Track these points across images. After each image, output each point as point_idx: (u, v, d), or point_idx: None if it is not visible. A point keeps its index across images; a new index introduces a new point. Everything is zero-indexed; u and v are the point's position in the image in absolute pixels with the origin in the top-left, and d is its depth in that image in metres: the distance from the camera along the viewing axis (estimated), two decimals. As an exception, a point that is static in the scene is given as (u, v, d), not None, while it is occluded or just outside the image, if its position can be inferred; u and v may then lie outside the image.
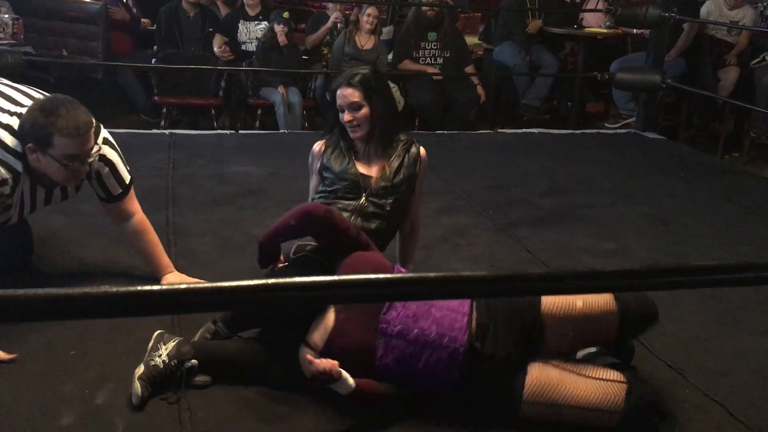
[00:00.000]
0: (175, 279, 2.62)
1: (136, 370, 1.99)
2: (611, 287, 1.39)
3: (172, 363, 2.01)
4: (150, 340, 2.10)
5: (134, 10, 6.23)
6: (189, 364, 2.03)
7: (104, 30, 5.60)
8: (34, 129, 2.19)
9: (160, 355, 2.02)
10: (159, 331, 2.12)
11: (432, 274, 0.80)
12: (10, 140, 2.25)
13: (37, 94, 2.45)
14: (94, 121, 2.30)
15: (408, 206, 2.60)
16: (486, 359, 1.96)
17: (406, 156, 2.53)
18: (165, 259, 2.66)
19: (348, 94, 2.44)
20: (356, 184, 2.47)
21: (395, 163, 2.51)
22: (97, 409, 1.94)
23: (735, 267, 1.39)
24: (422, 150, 2.58)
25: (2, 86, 2.45)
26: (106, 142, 2.46)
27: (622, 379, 1.94)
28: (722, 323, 2.61)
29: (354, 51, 5.48)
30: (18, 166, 2.26)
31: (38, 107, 2.21)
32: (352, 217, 2.44)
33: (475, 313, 2.01)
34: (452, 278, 0.83)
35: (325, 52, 5.83)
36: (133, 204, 2.61)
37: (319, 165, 2.57)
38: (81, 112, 2.24)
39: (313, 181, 2.63)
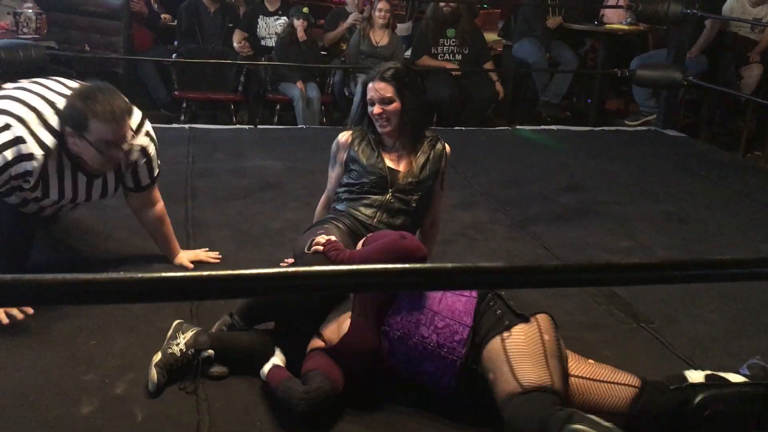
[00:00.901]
0: (186, 255, 2.75)
1: (153, 357, 2.02)
2: (625, 280, 1.38)
3: (189, 352, 2.04)
4: (167, 330, 2.13)
5: (155, 6, 6.28)
6: (206, 354, 2.06)
7: (126, 25, 5.65)
8: (72, 112, 2.25)
9: (177, 344, 2.05)
10: (178, 321, 2.15)
11: (450, 265, 0.81)
12: (52, 118, 2.30)
13: (78, 85, 2.48)
14: (133, 108, 2.35)
15: (431, 202, 2.61)
16: (480, 377, 1.94)
17: (432, 152, 2.53)
18: (176, 244, 2.76)
19: (380, 88, 2.45)
20: (384, 179, 2.48)
21: (421, 159, 2.51)
22: (117, 399, 1.97)
23: (749, 261, 1.39)
24: (447, 147, 2.59)
25: (51, 81, 2.49)
26: (148, 135, 2.52)
27: (636, 384, 1.91)
28: (740, 322, 2.59)
29: (369, 48, 5.48)
30: (52, 143, 2.30)
31: (78, 92, 2.28)
32: (378, 213, 2.45)
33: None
34: (468, 269, 0.84)
35: (344, 48, 5.84)
36: (157, 194, 2.68)
37: (345, 156, 2.56)
38: (119, 98, 2.29)
39: (336, 171, 2.63)
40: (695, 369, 2.14)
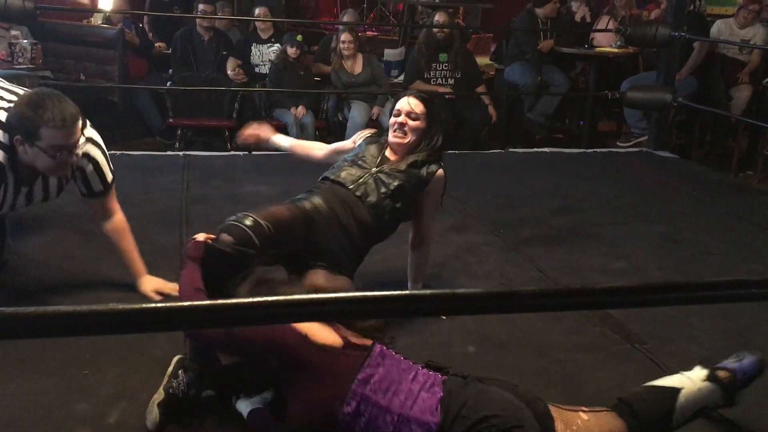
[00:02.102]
0: (152, 284, 2.73)
1: (155, 396, 1.99)
2: (611, 303, 1.39)
3: (191, 392, 2.01)
4: (162, 359, 2.12)
5: (150, 35, 6.35)
6: (207, 393, 2.03)
7: (121, 54, 5.70)
8: (21, 121, 2.26)
9: (179, 383, 2.01)
10: (179, 357, 2.10)
11: (428, 292, 0.82)
12: None
13: (23, 92, 2.50)
14: (79, 114, 2.34)
15: (419, 215, 2.63)
16: None
17: (425, 165, 2.57)
18: (141, 264, 2.75)
19: (414, 103, 2.56)
20: (375, 157, 2.56)
21: (411, 159, 2.57)
22: (110, 428, 1.96)
23: (743, 283, 1.40)
24: (441, 172, 2.61)
25: None
26: (90, 140, 2.53)
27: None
28: (733, 342, 2.58)
29: (348, 78, 5.54)
30: (4, 159, 2.32)
31: (26, 101, 2.28)
32: (358, 183, 2.48)
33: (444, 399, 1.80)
34: (447, 295, 0.85)
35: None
36: (114, 203, 2.70)
37: (353, 145, 2.74)
38: (67, 104, 2.30)
39: (342, 144, 2.86)
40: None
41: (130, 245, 2.74)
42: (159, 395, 1.99)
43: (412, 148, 2.58)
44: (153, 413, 1.95)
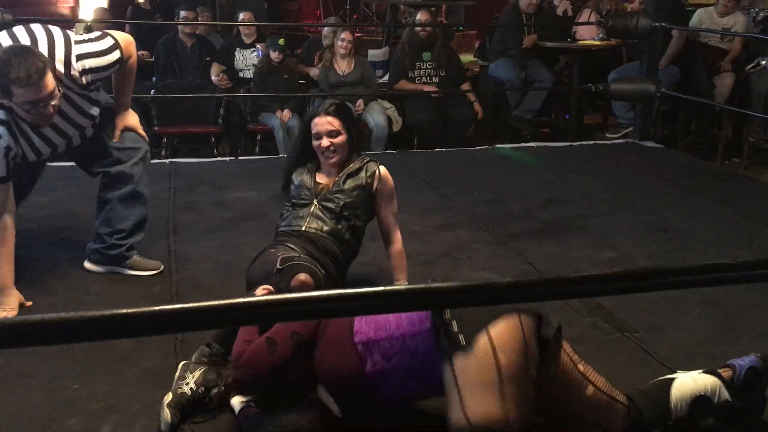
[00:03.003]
0: (17, 297, 2.61)
1: (165, 398, 2.00)
2: (596, 292, 1.40)
3: (200, 390, 2.03)
4: (153, 370, 2.13)
5: (132, 43, 6.32)
6: (216, 390, 2.05)
7: (103, 64, 5.67)
8: None
9: (187, 383, 2.04)
10: (184, 362, 2.13)
11: (403, 287, 0.82)
12: None
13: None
14: (47, 66, 2.35)
15: (384, 224, 2.68)
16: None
17: (362, 170, 2.63)
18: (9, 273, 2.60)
19: (327, 121, 2.58)
20: (310, 191, 2.61)
21: (346, 172, 2.62)
22: (102, 440, 1.95)
23: (728, 266, 1.41)
24: (383, 169, 2.66)
25: None
26: (80, 57, 2.55)
27: (625, 402, 1.89)
28: (723, 327, 2.61)
29: (336, 78, 5.53)
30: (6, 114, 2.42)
31: None
32: (307, 221, 2.55)
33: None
34: (421, 290, 0.85)
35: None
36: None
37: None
38: (34, 59, 2.32)
39: None
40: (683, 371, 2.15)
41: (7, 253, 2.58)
42: (168, 397, 2.01)
43: (344, 162, 2.64)
44: (165, 414, 1.96)
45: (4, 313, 2.55)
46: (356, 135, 2.67)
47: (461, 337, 1.70)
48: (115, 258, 2.96)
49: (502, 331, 1.69)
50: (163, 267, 3.03)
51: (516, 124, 6.17)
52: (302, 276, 2.24)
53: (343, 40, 5.46)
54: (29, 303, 2.65)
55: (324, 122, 2.58)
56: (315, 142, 2.61)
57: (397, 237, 2.71)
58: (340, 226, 2.56)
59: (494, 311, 1.72)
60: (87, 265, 3.01)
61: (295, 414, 1.91)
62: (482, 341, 1.68)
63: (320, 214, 2.57)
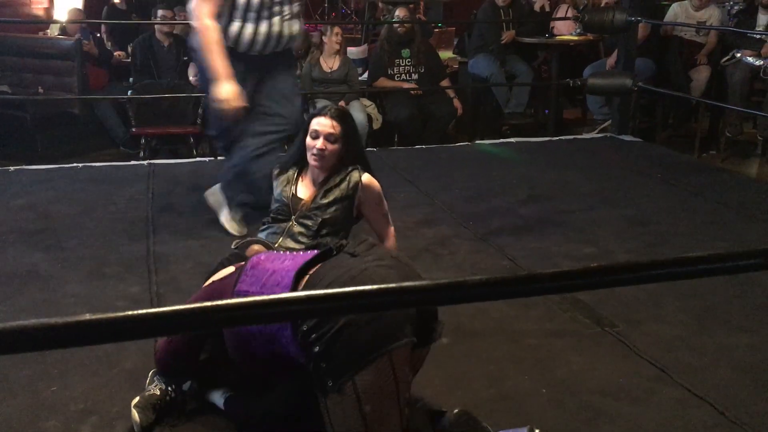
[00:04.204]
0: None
1: (133, 401, 1.98)
2: (573, 287, 1.40)
3: (170, 388, 2.01)
4: (132, 371, 2.11)
5: (108, 44, 6.27)
6: (186, 386, 2.04)
7: (79, 65, 5.61)
8: None
9: (156, 385, 2.02)
10: (153, 370, 2.10)
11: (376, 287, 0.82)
12: None
13: None
14: None
15: (378, 229, 2.65)
16: None
17: (344, 181, 2.54)
18: None
19: (329, 125, 2.49)
20: (287, 206, 2.56)
21: (327, 186, 2.54)
22: (81, 444, 1.93)
23: (704, 258, 1.42)
24: (365, 177, 2.55)
25: None
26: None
27: None
28: (702, 320, 2.63)
29: (321, 74, 5.51)
30: None
31: None
32: (281, 238, 2.50)
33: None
34: (391, 290, 0.84)
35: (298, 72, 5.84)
36: None
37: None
38: None
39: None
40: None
41: None
42: (136, 399, 1.99)
43: (329, 172, 2.54)
44: (133, 415, 1.94)
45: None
46: (354, 148, 2.57)
47: (329, 382, 1.67)
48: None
49: (369, 380, 1.66)
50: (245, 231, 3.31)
51: (511, 120, 6.20)
52: (256, 246, 2.28)
53: (336, 34, 5.44)
54: None
55: (326, 124, 2.49)
56: (309, 141, 2.50)
57: (391, 235, 2.68)
58: (316, 245, 2.46)
59: (366, 356, 1.66)
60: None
61: (280, 393, 1.91)
62: (349, 390, 1.66)
63: (296, 232, 2.50)
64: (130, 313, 0.97)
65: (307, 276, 1.82)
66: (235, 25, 3.12)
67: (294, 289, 1.78)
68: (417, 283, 0.86)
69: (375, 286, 0.83)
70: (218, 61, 2.98)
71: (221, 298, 1.90)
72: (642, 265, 1.35)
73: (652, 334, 2.51)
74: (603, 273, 1.29)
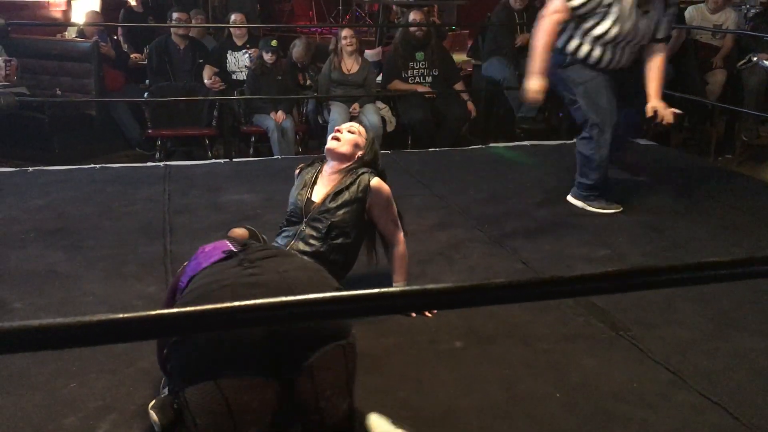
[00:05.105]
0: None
1: (150, 404, 2.00)
2: (589, 291, 1.41)
3: (173, 394, 2.01)
4: (149, 370, 2.13)
5: (125, 47, 6.33)
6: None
7: (96, 67, 5.67)
8: None
9: (164, 392, 2.05)
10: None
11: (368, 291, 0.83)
12: None
13: None
14: None
15: (386, 232, 2.67)
16: None
17: (354, 184, 2.58)
18: None
19: (357, 129, 2.69)
20: (299, 209, 2.60)
21: (337, 189, 2.58)
22: (99, 441, 1.96)
23: (720, 264, 1.42)
24: (374, 180, 2.59)
25: None
26: None
27: None
28: (717, 324, 2.62)
29: (340, 76, 5.54)
30: None
31: None
32: (293, 241, 2.53)
33: None
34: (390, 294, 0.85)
35: (308, 82, 5.86)
36: None
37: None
38: None
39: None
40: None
41: None
42: (151, 402, 2.01)
43: (341, 171, 2.61)
44: (151, 417, 1.96)
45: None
46: (368, 154, 2.67)
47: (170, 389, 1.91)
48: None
49: (195, 398, 1.73)
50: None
51: (523, 124, 6.19)
52: (237, 230, 2.39)
53: (345, 38, 5.47)
54: None
55: (351, 123, 2.73)
56: (330, 137, 2.67)
57: (399, 240, 2.69)
58: (324, 249, 2.51)
59: (192, 377, 1.76)
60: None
61: None
62: (183, 402, 1.76)
63: (307, 235, 2.53)
64: (145, 313, 1.00)
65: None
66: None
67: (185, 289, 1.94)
68: (438, 286, 0.87)
69: (396, 289, 0.84)
70: (536, 61, 3.55)
71: (175, 289, 2.04)
72: (659, 270, 1.36)
73: (667, 338, 2.51)
74: (620, 277, 1.30)
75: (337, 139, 2.63)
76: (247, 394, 1.71)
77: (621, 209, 3.83)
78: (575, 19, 3.57)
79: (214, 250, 2.04)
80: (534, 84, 3.54)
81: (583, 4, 3.50)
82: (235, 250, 2.02)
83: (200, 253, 2.06)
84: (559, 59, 3.69)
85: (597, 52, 3.60)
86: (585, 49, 3.61)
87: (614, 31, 3.51)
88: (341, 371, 1.83)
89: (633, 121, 3.98)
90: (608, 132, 3.69)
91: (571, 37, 3.65)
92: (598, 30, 3.53)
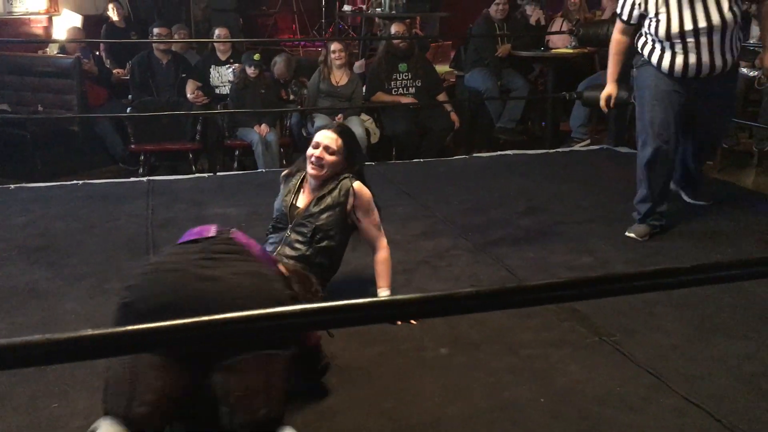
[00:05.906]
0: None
1: None
2: (570, 297, 1.42)
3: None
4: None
5: (107, 62, 6.31)
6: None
7: (78, 83, 5.66)
8: None
9: None
10: None
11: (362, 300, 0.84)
12: None
13: None
14: None
15: (369, 237, 2.71)
16: None
17: (336, 189, 2.65)
18: None
19: (333, 138, 2.66)
20: (285, 215, 2.66)
21: (321, 194, 2.65)
22: (83, 458, 1.94)
23: (698, 268, 1.44)
24: (356, 185, 2.66)
25: None
26: None
27: None
28: (698, 329, 2.64)
29: (329, 88, 5.56)
30: None
31: None
32: (279, 247, 2.58)
33: None
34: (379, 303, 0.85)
35: (291, 97, 5.87)
36: None
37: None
38: None
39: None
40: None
41: None
42: None
43: (325, 180, 2.66)
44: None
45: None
46: (352, 163, 2.70)
47: None
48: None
49: None
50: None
51: (501, 135, 6.23)
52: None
53: (334, 51, 5.51)
54: None
55: (329, 137, 2.66)
56: (310, 151, 2.66)
57: (382, 245, 2.74)
58: (309, 252, 2.57)
59: None
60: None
61: None
62: None
63: (292, 240, 2.60)
64: (131, 328, 0.99)
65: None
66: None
67: None
68: (412, 296, 0.88)
69: (380, 299, 0.85)
70: (610, 69, 3.67)
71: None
72: (637, 275, 1.37)
73: (649, 343, 2.52)
74: (599, 283, 1.32)
75: (320, 166, 2.64)
76: (155, 372, 1.82)
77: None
78: (643, 21, 3.39)
79: (200, 232, 2.17)
80: (605, 90, 3.69)
81: (630, 14, 3.40)
82: (206, 237, 2.11)
83: (188, 231, 2.22)
84: (636, 60, 3.58)
85: (668, 56, 3.33)
86: (656, 51, 3.37)
87: (675, 23, 3.23)
88: (258, 378, 1.88)
89: (703, 150, 3.86)
90: (650, 147, 3.45)
91: (642, 36, 3.46)
92: (661, 29, 3.28)
